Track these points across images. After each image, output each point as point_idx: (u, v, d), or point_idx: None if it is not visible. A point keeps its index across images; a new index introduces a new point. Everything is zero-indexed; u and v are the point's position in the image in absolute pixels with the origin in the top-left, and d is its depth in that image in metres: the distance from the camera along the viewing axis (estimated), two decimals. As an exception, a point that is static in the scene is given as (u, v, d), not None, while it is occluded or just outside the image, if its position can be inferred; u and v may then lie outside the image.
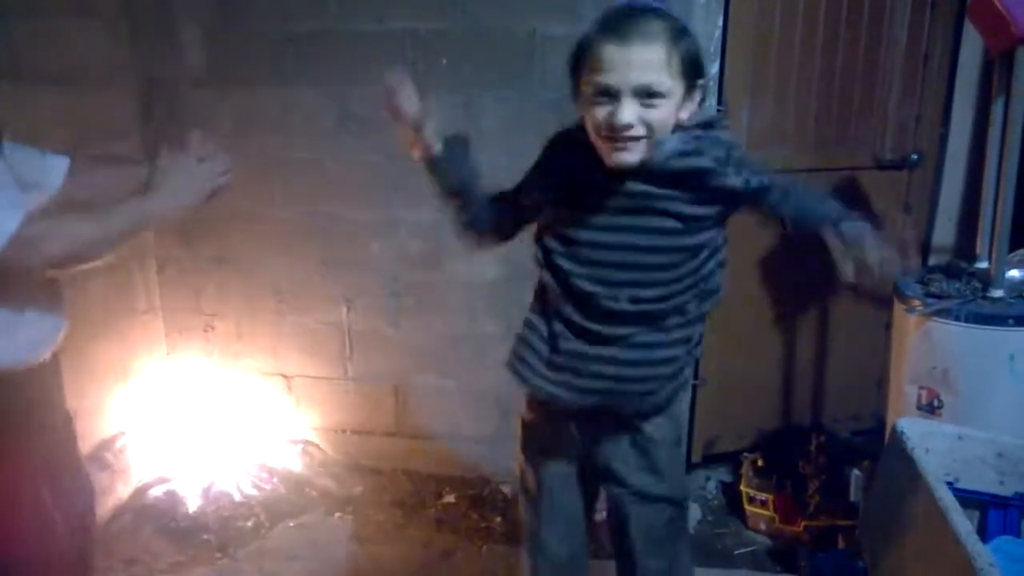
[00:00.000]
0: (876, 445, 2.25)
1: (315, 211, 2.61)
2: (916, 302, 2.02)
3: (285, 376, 2.78)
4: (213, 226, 2.66)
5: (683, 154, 1.25)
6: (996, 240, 2.01)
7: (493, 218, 1.45)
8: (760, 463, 2.53)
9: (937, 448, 1.66)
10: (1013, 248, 2.04)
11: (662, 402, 1.40)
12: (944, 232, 2.69)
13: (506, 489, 2.61)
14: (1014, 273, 2.06)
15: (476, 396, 2.63)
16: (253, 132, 2.56)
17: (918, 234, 2.50)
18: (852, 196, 2.59)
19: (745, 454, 2.59)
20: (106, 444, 2.53)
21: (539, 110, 2.35)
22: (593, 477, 1.52)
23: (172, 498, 2.56)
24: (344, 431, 2.78)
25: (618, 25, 1.17)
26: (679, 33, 1.19)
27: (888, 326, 2.31)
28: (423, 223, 2.52)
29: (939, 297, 2.01)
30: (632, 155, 1.21)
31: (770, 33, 2.42)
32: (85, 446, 2.43)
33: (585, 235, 1.33)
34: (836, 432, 2.69)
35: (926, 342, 2.01)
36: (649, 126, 1.19)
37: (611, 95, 1.18)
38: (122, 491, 2.56)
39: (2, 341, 1.37)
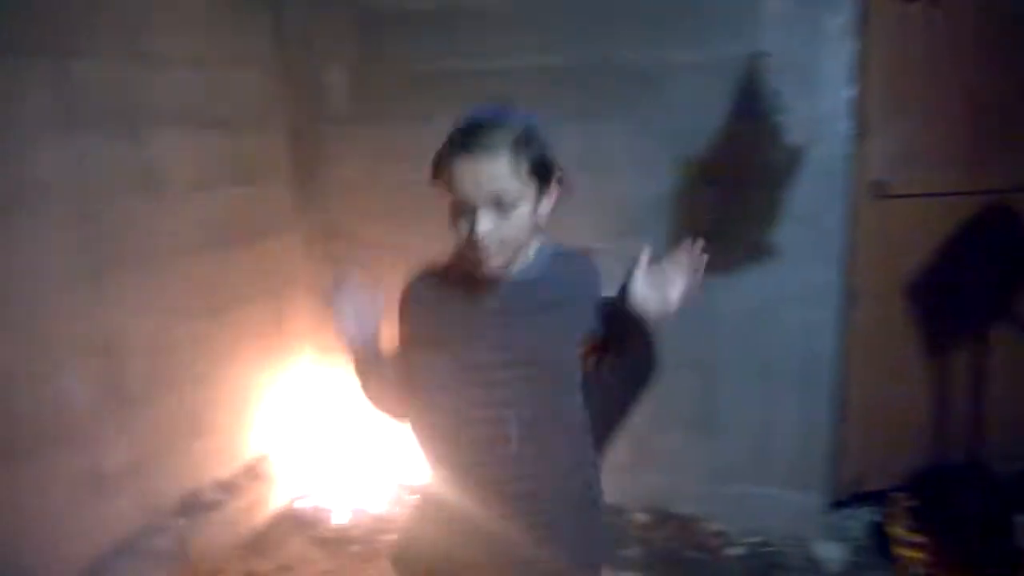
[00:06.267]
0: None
1: (445, 236, 2.68)
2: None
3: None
4: (355, 254, 2.82)
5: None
6: None
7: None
8: (912, 503, 2.39)
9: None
10: None
11: None
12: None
13: None
14: None
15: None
16: (387, 164, 2.69)
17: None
18: (1004, 221, 2.39)
19: (895, 492, 2.45)
20: (260, 459, 2.75)
21: (664, 138, 2.33)
22: None
23: (320, 511, 2.74)
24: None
25: (464, 140, 1.22)
26: (523, 138, 1.22)
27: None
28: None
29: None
30: (496, 260, 1.25)
31: (912, 48, 2.27)
32: (245, 459, 2.66)
33: None
34: (998, 471, 2.49)
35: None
36: (507, 232, 1.22)
37: (469, 207, 1.21)
38: (275, 502, 2.76)
39: None
